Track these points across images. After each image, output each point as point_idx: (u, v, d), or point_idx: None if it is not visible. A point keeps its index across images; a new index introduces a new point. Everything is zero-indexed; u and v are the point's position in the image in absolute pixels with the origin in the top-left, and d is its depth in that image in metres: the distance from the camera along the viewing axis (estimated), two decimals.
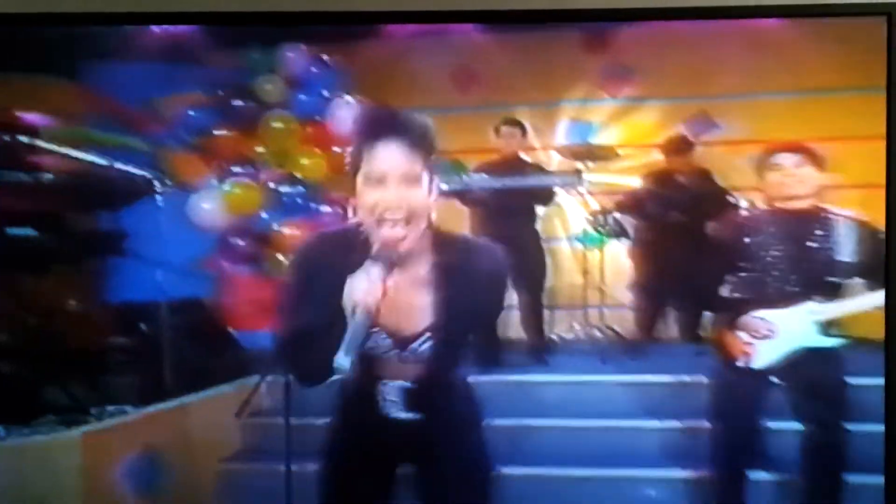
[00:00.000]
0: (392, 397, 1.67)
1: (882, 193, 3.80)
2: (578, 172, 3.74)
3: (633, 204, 3.83)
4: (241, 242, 3.87)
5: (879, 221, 2.92)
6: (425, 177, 1.55)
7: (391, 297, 1.52)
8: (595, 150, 3.97)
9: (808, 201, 2.57)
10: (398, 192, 1.51)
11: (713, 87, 4.30)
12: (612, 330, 3.88)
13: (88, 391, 2.94)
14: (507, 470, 2.86)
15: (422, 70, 4.81)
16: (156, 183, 3.35)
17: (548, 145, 4.33)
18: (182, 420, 2.94)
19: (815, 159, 2.58)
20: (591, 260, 3.89)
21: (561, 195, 3.99)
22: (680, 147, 3.95)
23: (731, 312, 2.58)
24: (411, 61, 4.73)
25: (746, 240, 2.58)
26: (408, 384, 1.67)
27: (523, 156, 4.01)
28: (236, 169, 3.92)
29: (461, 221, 3.79)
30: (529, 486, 2.83)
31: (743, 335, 2.55)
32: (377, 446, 1.74)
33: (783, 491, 2.64)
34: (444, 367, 1.69)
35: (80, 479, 2.47)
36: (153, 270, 3.39)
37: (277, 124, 4.07)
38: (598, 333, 3.85)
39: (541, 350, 3.79)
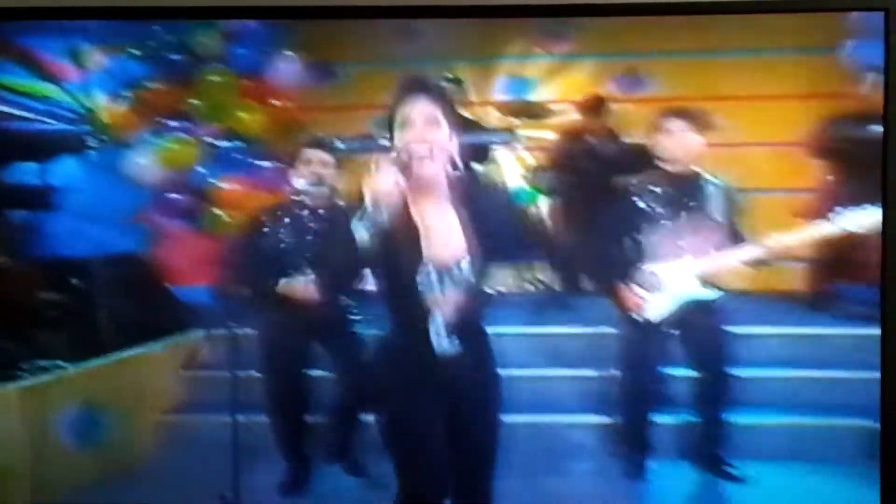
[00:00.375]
0: (438, 330, 1.84)
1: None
2: (514, 130, 3.80)
3: (562, 161, 3.93)
4: (177, 197, 3.85)
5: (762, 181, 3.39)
6: (444, 123, 1.83)
7: (429, 228, 1.78)
8: (530, 107, 4.06)
9: (689, 165, 2.73)
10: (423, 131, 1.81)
11: (644, 45, 4.53)
12: (542, 283, 4.03)
13: (19, 347, 2.91)
14: None
15: (362, 23, 4.80)
16: (88, 137, 3.26)
17: (486, 101, 4.40)
18: (122, 374, 2.96)
19: (699, 124, 2.73)
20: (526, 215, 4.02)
21: (498, 151, 4.07)
22: (595, 106, 4.01)
23: (625, 268, 2.74)
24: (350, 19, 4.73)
25: (639, 200, 2.74)
26: (451, 316, 1.84)
27: (462, 112, 4.05)
28: (172, 123, 3.86)
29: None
30: None
31: (636, 289, 2.71)
32: (426, 380, 1.87)
33: (682, 432, 2.87)
34: (479, 294, 1.88)
35: (21, 435, 2.48)
36: (86, 225, 3.34)
37: (214, 78, 4.00)
38: (529, 287, 3.99)
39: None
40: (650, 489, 2.78)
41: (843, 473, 2.68)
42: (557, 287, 3.85)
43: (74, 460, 2.64)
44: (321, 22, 4.48)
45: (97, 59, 4.06)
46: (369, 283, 2.04)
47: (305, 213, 2.62)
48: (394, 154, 1.78)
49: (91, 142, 3.30)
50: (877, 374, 2.95)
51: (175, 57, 3.99)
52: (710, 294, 2.70)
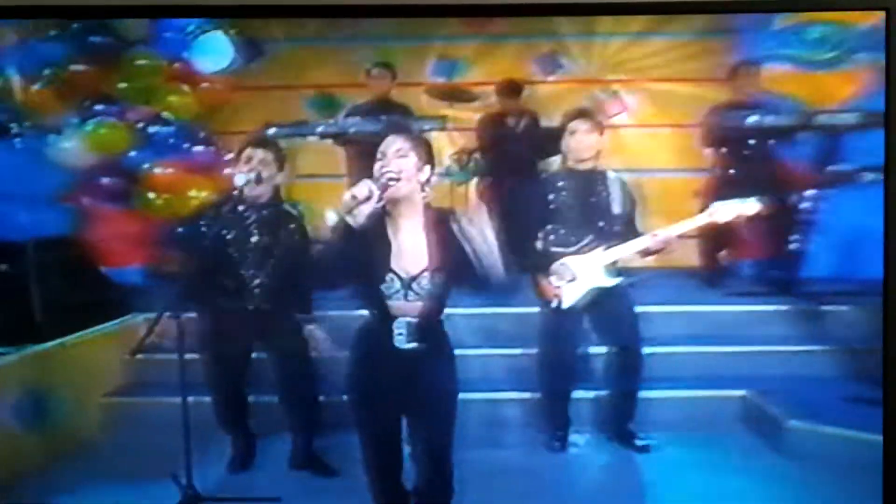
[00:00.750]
0: (400, 330, 2.09)
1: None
2: (444, 118, 3.90)
3: (486, 143, 4.06)
4: (109, 180, 3.83)
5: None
6: (414, 155, 2.11)
7: (399, 246, 2.08)
8: (458, 92, 4.18)
9: (591, 163, 2.95)
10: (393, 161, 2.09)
11: (564, 27, 4.72)
12: None
13: None
14: None
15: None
16: (11, 124, 3.22)
17: (416, 83, 4.49)
18: (64, 358, 3.00)
19: (599, 127, 2.96)
20: (457, 194, 4.08)
21: (429, 134, 4.20)
22: (511, 89, 4.16)
23: (542, 260, 2.94)
24: None
25: (550, 196, 2.94)
26: (412, 319, 2.10)
27: (393, 97, 4.14)
28: (99, 107, 3.81)
29: (337, 161, 3.96)
30: None
31: (553, 280, 2.93)
32: (388, 374, 2.12)
33: (598, 405, 3.11)
34: (439, 301, 2.14)
35: None
36: (14, 209, 3.31)
37: (141, 61, 3.97)
38: None
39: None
40: (571, 460, 2.98)
41: (733, 442, 3.00)
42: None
43: (22, 443, 2.71)
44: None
45: (12, 38, 4.00)
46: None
47: (248, 211, 2.69)
48: (375, 176, 2.05)
49: (16, 128, 3.24)
50: (761, 347, 3.33)
51: (98, 39, 3.94)
52: (615, 280, 2.92)
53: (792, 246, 3.45)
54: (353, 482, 2.45)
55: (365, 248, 2.03)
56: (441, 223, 2.11)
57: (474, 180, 4.03)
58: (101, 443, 3.01)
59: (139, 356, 3.09)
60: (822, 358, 3.23)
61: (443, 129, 3.82)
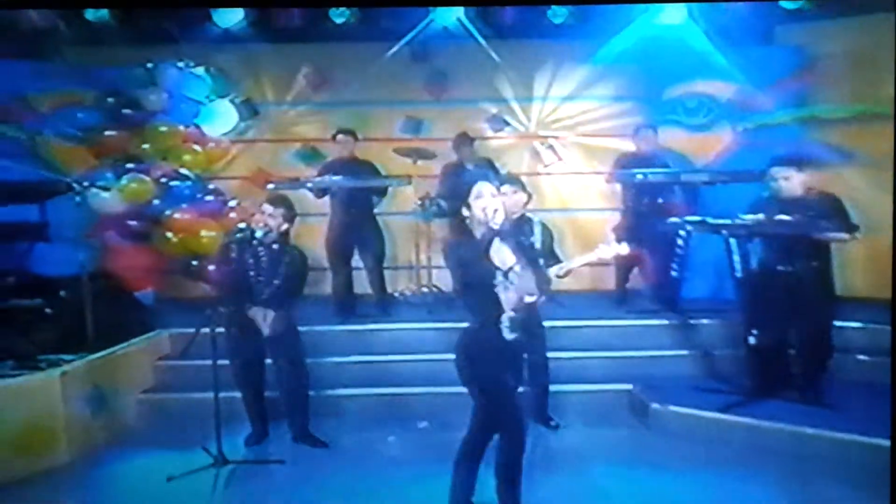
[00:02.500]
0: (506, 324, 2.69)
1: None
2: (409, 177, 4.73)
3: (445, 189, 4.84)
4: (136, 224, 4.66)
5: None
6: (503, 196, 2.83)
7: (496, 249, 2.70)
8: (422, 150, 5.02)
9: (520, 212, 3.61)
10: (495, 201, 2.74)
11: (506, 92, 5.61)
12: (437, 288, 5.06)
13: (27, 345, 3.76)
14: (355, 391, 4.07)
15: (282, 73, 5.76)
16: (74, 184, 4.11)
17: (385, 139, 5.37)
18: (111, 365, 3.84)
19: (525, 188, 3.66)
20: (421, 232, 5.00)
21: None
22: (464, 142, 5.00)
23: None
24: (272, 66, 5.70)
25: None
26: (513, 314, 2.69)
27: (359, 156, 4.88)
28: (129, 165, 4.70)
29: (323, 206, 4.82)
30: (376, 401, 4.09)
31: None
32: (498, 360, 2.72)
33: (527, 397, 3.67)
34: (527, 293, 2.73)
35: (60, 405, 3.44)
36: (69, 249, 4.19)
37: (162, 128, 4.96)
38: (425, 290, 5.04)
39: (384, 303, 4.84)
40: None
41: (620, 422, 3.87)
42: (446, 290, 4.82)
43: (90, 425, 3.60)
44: (247, 71, 5.50)
45: (47, 103, 4.82)
46: None
47: (260, 248, 3.59)
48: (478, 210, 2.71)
49: (77, 188, 4.12)
50: (645, 352, 4.13)
51: (128, 111, 4.89)
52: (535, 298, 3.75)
53: (673, 274, 4.42)
54: (339, 453, 3.53)
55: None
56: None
57: (434, 220, 4.85)
58: (141, 428, 3.93)
59: (167, 363, 4.07)
60: (687, 360, 4.20)
61: (409, 184, 4.70)
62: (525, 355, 3.02)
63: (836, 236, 3.43)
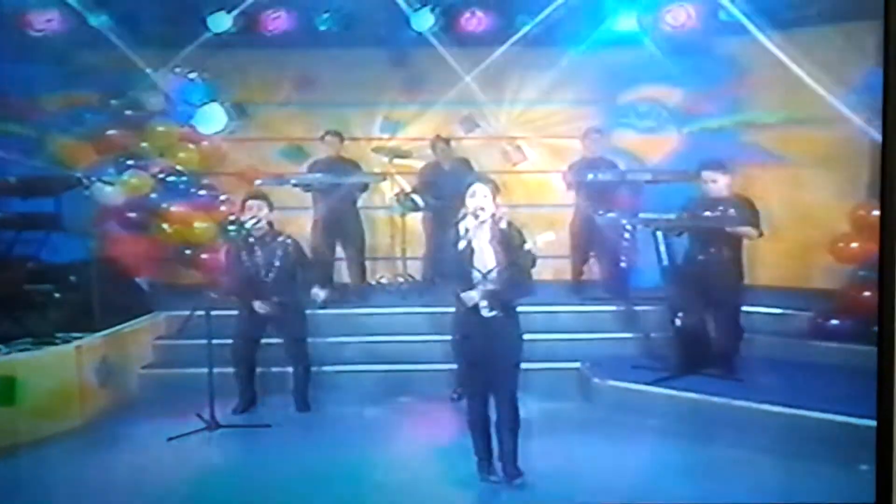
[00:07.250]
0: (483, 303, 3.21)
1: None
2: (384, 174, 5.27)
3: (422, 185, 5.36)
4: (136, 215, 5.15)
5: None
6: (490, 197, 3.26)
7: (479, 251, 3.20)
8: (398, 150, 5.51)
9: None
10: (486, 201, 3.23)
11: (478, 97, 5.84)
12: (411, 277, 5.46)
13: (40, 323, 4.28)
14: (339, 367, 4.62)
15: (270, 78, 6.19)
16: (84, 179, 4.62)
17: (365, 138, 5.82)
18: (116, 342, 4.34)
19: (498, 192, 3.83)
20: (397, 225, 5.43)
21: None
22: (439, 144, 5.50)
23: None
24: (262, 71, 6.11)
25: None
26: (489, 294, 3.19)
27: (344, 155, 5.43)
28: (130, 162, 5.18)
29: (306, 200, 5.30)
30: (356, 378, 4.60)
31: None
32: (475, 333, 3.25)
33: None
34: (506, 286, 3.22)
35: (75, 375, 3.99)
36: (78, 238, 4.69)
37: (160, 128, 5.44)
38: (400, 279, 5.45)
39: (363, 291, 5.32)
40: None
41: (568, 396, 4.34)
42: (420, 279, 5.31)
43: (98, 393, 4.14)
44: (238, 76, 5.91)
45: (56, 104, 5.26)
46: None
47: (252, 240, 4.11)
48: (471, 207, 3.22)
49: (87, 182, 4.62)
50: (594, 335, 4.67)
51: (130, 112, 5.37)
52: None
53: (622, 265, 4.92)
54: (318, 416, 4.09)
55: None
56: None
57: (409, 213, 5.34)
58: (143, 398, 4.45)
59: (168, 341, 4.60)
60: (630, 341, 4.69)
61: (384, 180, 5.25)
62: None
63: (745, 231, 3.99)
